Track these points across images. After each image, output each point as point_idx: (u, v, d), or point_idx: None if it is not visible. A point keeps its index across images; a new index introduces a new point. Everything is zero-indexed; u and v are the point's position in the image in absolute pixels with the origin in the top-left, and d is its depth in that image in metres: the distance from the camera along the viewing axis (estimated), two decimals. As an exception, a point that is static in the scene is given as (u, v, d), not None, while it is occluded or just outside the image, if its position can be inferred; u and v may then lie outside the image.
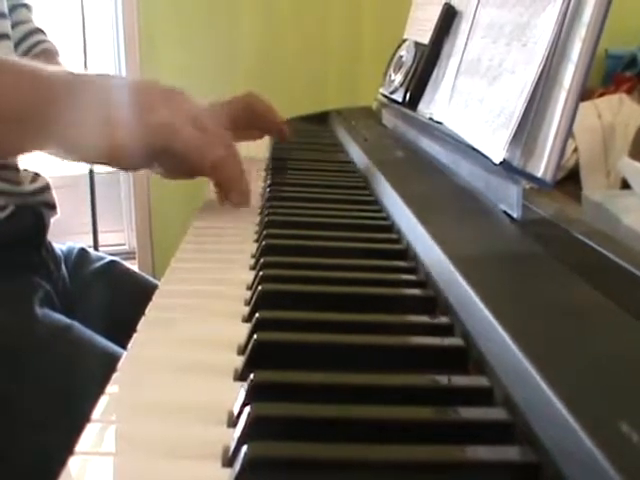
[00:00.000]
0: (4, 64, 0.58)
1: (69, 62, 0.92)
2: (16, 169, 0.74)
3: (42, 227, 0.78)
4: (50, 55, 0.87)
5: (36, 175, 0.78)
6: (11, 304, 0.66)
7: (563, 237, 0.45)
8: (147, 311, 0.40)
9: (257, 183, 0.74)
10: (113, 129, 0.56)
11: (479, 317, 0.32)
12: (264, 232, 0.52)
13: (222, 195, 0.63)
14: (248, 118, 0.76)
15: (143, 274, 0.93)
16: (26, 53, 0.84)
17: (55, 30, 0.95)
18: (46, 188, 0.79)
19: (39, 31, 0.87)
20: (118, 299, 0.78)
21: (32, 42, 0.85)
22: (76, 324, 0.67)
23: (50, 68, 0.59)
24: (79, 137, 0.57)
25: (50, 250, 0.80)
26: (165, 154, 0.58)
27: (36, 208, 0.77)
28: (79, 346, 0.64)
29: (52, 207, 0.80)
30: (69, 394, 0.57)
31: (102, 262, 0.86)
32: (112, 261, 0.87)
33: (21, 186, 0.75)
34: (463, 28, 0.67)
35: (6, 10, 0.77)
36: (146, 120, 0.57)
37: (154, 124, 0.57)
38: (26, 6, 0.86)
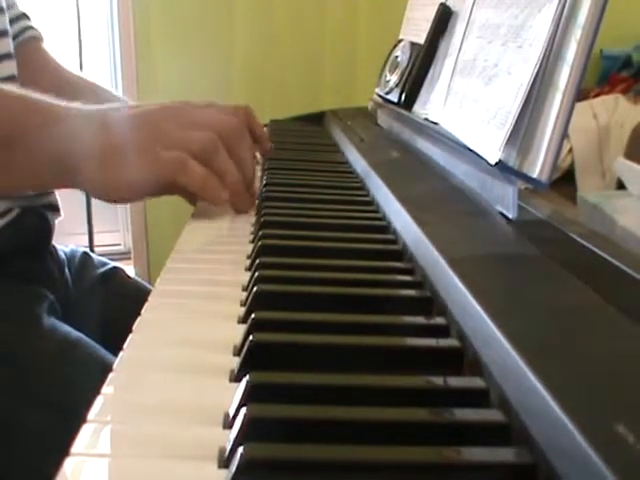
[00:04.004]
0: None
1: (65, 63, 0.91)
2: None
3: (47, 231, 0.77)
4: (36, 42, 0.86)
5: None
6: (18, 317, 0.65)
7: (558, 238, 0.45)
8: (143, 312, 0.40)
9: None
10: (118, 165, 0.56)
11: (475, 318, 0.32)
12: (260, 233, 0.52)
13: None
14: None
15: (144, 282, 0.92)
16: (14, 39, 0.82)
17: (51, 32, 0.95)
18: (50, 190, 0.78)
19: (25, 16, 0.86)
20: (120, 307, 0.78)
21: (19, 28, 0.84)
22: (83, 338, 0.66)
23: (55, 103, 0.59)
24: (87, 173, 0.57)
25: (54, 254, 0.79)
26: (172, 187, 0.59)
27: (40, 210, 0.76)
28: (85, 363, 0.63)
29: (56, 209, 0.79)
30: (72, 413, 0.56)
31: (104, 269, 0.85)
32: (114, 268, 0.87)
33: None
34: (458, 28, 0.67)
35: (4, 4, 0.77)
36: (156, 155, 0.56)
37: (163, 160, 0.56)
38: None
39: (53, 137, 0.57)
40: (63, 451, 0.27)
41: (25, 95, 0.59)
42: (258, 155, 0.81)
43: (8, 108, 0.58)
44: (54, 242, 0.80)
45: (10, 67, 0.75)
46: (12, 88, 0.61)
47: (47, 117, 0.58)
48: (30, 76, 0.81)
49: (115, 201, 0.62)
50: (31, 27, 0.86)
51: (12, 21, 0.83)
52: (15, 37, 0.83)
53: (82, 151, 0.57)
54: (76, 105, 0.60)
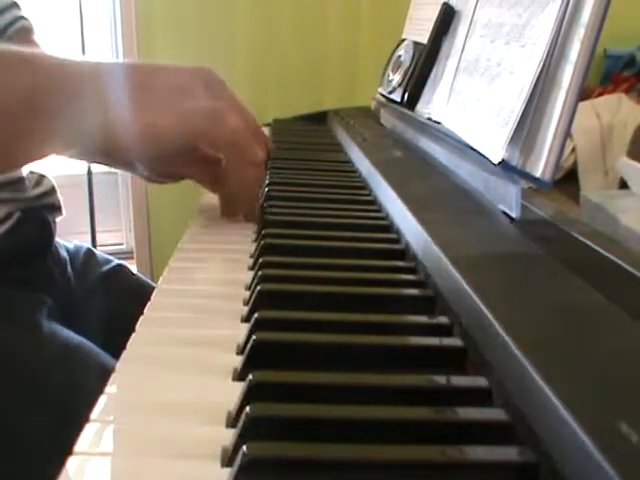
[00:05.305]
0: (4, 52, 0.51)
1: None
2: (20, 175, 0.73)
3: (48, 235, 0.76)
4: (27, 33, 0.83)
5: (41, 177, 0.77)
6: (17, 325, 0.65)
7: (562, 237, 0.45)
8: (146, 310, 0.40)
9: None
10: (140, 120, 0.50)
11: (478, 317, 0.32)
12: (263, 232, 0.52)
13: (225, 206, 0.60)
14: None
15: (148, 280, 0.92)
16: (5, 29, 0.80)
17: (53, 31, 0.94)
18: (52, 191, 0.77)
19: (15, 5, 0.82)
20: (125, 306, 0.77)
21: (10, 18, 0.81)
22: (84, 342, 0.66)
23: (63, 58, 0.54)
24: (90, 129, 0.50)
25: (55, 254, 0.79)
26: (196, 148, 0.53)
27: (40, 213, 0.75)
28: (86, 368, 0.63)
29: (57, 208, 0.78)
30: (73, 418, 0.56)
31: (108, 267, 0.85)
32: (119, 265, 0.86)
33: (26, 192, 0.74)
34: (461, 28, 0.67)
35: None
36: (186, 105, 0.50)
37: (198, 108, 0.51)
38: None
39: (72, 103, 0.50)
40: (65, 457, 0.27)
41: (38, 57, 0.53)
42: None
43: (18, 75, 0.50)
44: (57, 238, 0.80)
45: None
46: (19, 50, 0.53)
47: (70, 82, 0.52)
48: None
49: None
50: (22, 17, 0.82)
51: (4, 9, 0.80)
52: (8, 26, 0.80)
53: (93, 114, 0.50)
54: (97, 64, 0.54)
